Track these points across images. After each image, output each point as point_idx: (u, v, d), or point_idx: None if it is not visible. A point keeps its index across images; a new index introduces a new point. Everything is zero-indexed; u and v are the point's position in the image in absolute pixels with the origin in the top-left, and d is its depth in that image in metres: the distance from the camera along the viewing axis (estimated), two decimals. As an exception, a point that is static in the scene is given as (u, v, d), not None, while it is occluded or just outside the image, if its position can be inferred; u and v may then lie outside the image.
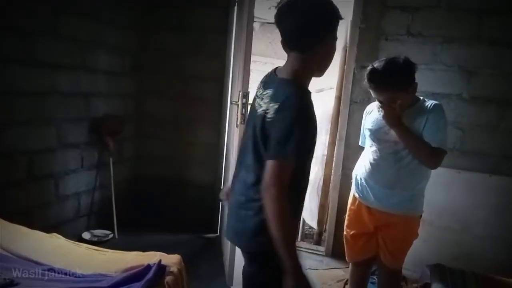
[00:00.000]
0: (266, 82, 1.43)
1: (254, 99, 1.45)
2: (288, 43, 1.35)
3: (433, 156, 1.89)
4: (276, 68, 1.46)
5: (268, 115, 1.30)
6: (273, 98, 1.32)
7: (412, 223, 2.02)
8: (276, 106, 1.29)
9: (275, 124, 1.28)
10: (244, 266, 1.56)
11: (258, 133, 1.34)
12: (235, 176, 1.53)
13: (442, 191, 2.84)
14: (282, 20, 1.32)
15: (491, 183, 2.84)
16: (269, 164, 1.27)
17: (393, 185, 1.96)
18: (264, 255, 1.38)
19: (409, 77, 1.88)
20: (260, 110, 1.36)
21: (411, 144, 1.90)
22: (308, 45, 1.32)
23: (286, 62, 1.39)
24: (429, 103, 1.94)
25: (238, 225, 1.45)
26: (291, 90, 1.31)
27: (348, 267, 2.41)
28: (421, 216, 2.05)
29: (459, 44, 2.87)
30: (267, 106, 1.33)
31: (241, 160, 1.48)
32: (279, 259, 1.27)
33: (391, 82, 1.86)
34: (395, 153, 1.95)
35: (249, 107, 2.51)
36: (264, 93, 1.38)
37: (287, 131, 1.25)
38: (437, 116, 1.90)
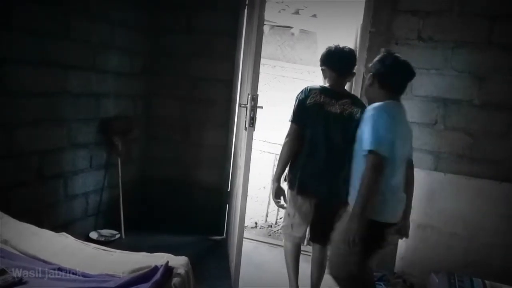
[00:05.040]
0: (334, 92, 2.30)
1: (322, 104, 2.26)
2: (346, 74, 2.36)
3: (369, 167, 1.90)
4: (322, 86, 2.35)
5: (357, 116, 2.21)
6: (356, 105, 2.28)
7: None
8: (360, 110, 2.22)
9: (363, 122, 2.05)
10: (323, 214, 2.36)
11: (348, 125, 2.19)
12: (319, 151, 2.27)
13: (451, 198, 2.81)
14: (347, 60, 2.34)
15: (500, 190, 2.80)
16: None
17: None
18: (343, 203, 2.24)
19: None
20: (347, 112, 2.25)
21: (368, 193, 1.90)
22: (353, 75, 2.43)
23: (342, 84, 2.38)
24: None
25: (334, 189, 2.26)
26: (361, 101, 2.38)
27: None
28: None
29: (470, 49, 2.85)
30: (356, 110, 2.24)
31: (329, 145, 2.26)
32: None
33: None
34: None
35: (256, 110, 2.56)
36: (338, 101, 2.27)
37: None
38: (366, 118, 1.99)
